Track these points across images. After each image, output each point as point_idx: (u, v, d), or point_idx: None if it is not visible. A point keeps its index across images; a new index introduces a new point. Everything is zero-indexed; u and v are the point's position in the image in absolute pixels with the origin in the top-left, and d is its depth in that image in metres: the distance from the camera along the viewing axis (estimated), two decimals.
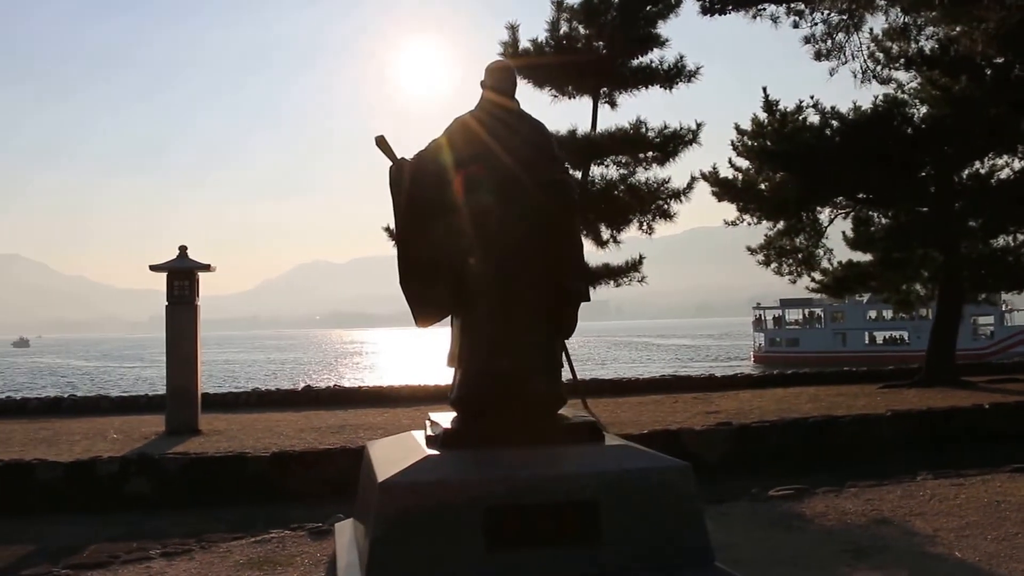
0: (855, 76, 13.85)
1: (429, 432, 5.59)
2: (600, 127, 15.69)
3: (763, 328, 74.96)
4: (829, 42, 13.47)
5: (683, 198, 15.57)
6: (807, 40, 13.77)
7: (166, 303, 13.67)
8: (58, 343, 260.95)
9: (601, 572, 4.80)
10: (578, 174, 15.70)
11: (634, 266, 15.67)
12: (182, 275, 13.55)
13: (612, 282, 15.81)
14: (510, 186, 5.61)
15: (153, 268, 13.65)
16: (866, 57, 14.10)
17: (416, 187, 5.53)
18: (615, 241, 15.84)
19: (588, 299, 6.10)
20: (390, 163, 5.50)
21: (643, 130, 15.36)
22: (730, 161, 19.51)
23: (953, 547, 6.25)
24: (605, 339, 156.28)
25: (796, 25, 13.57)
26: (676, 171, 16.49)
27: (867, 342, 66.36)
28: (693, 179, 15.90)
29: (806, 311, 71.28)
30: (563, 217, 5.64)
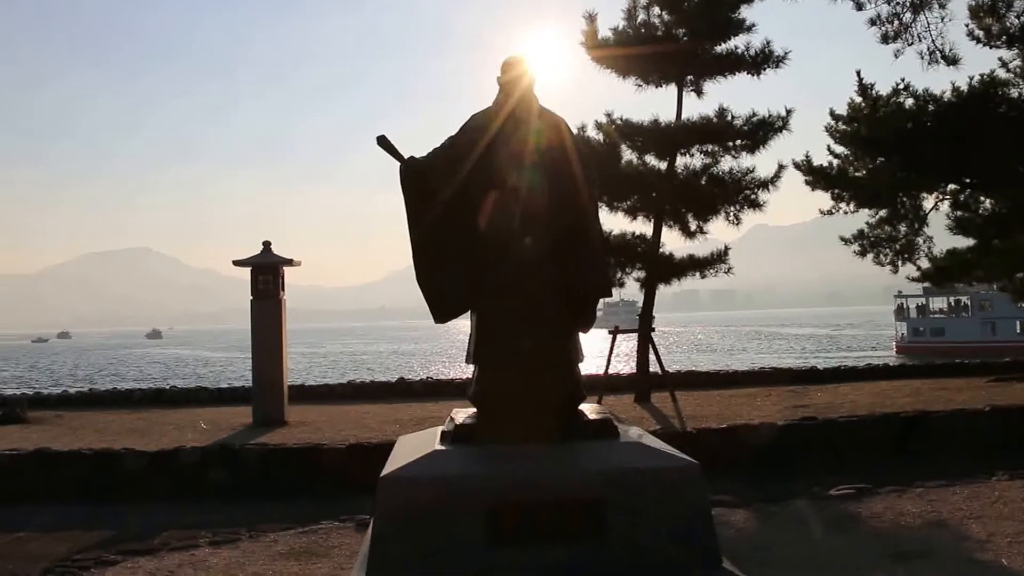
0: (921, 58, 13.18)
1: (445, 428, 5.59)
2: (686, 116, 15.44)
3: (906, 317, 71.72)
4: (896, 23, 12.83)
5: (771, 187, 15.17)
6: (872, 22, 13.15)
7: (251, 298, 14.04)
8: (189, 334, 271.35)
9: (604, 571, 4.70)
10: (663, 165, 15.48)
11: (719, 257, 15.36)
12: (266, 270, 13.90)
13: (697, 274, 15.53)
14: (521, 184, 5.56)
15: (236, 263, 14.06)
16: (934, 37, 13.39)
17: (426, 186, 5.53)
18: (702, 232, 15.55)
19: (609, 295, 6.02)
20: (397, 163, 5.49)
21: (730, 118, 15.02)
22: (828, 148, 18.89)
23: (1001, 554, 5.91)
24: (734, 329, 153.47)
25: (860, 7, 12.95)
26: (766, 159, 16.02)
27: (1019, 331, 62.70)
28: (781, 167, 15.43)
29: (952, 299, 67.85)
30: (576, 214, 5.55)
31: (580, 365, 5.77)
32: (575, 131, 14.62)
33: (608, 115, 15.57)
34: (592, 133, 15.29)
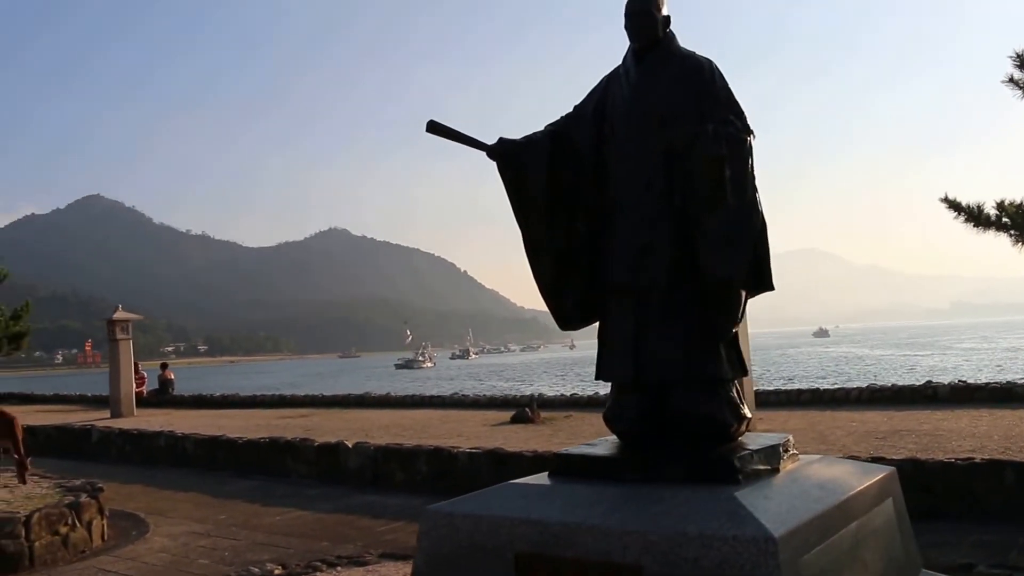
0: None
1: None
2: None
3: None
4: None
5: None
6: None
7: None
8: (857, 332, 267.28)
9: None
10: None
11: None
12: None
13: None
14: (641, 153, 4.54)
15: None
16: None
17: (525, 173, 4.78)
18: None
19: (769, 288, 4.58)
20: (482, 151, 4.77)
21: None
22: None
23: None
24: None
25: None
26: None
27: None
28: None
29: None
30: (708, 182, 4.28)
31: (729, 381, 4.51)
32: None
33: None
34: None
